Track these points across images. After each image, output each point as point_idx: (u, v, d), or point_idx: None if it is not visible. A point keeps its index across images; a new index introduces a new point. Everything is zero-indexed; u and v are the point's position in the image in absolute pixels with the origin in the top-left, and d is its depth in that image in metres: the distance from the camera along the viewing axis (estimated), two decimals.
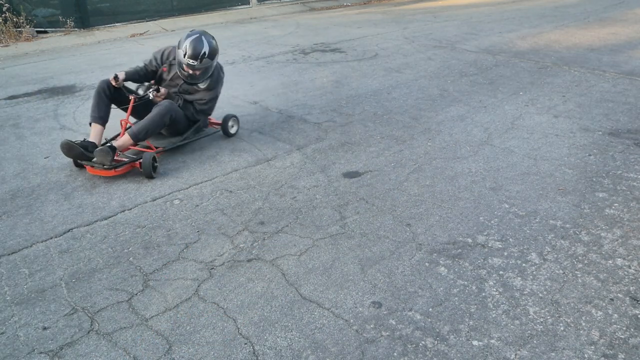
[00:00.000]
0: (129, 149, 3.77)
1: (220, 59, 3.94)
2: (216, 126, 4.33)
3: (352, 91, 5.47)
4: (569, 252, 2.60)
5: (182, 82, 3.93)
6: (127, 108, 3.77)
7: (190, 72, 3.78)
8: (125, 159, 3.62)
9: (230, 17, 11.44)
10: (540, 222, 2.87)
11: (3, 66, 7.37)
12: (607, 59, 6.44)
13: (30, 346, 2.10)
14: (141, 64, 4.06)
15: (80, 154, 3.52)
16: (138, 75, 3.96)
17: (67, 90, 5.95)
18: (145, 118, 3.69)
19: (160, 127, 3.73)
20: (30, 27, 9.54)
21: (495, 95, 5.15)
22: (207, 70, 3.84)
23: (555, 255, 2.57)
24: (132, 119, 3.87)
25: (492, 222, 2.89)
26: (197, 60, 3.68)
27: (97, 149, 3.46)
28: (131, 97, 3.80)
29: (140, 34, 9.78)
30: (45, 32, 9.88)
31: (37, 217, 3.11)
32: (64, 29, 9.80)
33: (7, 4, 9.13)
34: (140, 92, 3.96)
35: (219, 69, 4.07)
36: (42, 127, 4.73)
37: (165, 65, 4.00)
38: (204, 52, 3.68)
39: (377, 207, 3.10)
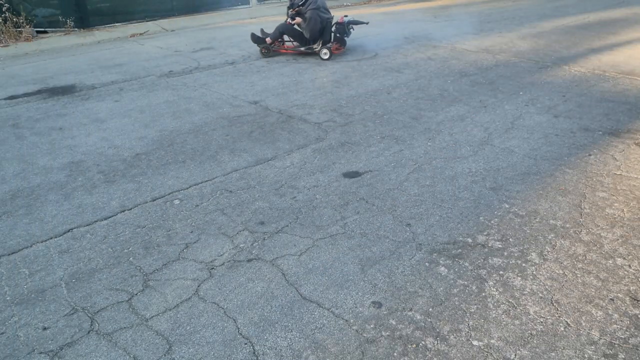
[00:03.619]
0: (272, 43, 7.25)
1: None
2: (337, 51, 7.17)
3: (352, 91, 5.47)
4: (569, 251, 2.60)
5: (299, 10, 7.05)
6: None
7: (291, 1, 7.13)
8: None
9: (230, 17, 11.44)
10: (540, 222, 2.87)
11: (3, 66, 7.38)
12: (607, 59, 6.44)
13: (30, 346, 2.10)
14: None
15: (258, 41, 7.26)
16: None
17: (67, 90, 5.95)
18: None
19: (277, 36, 7.15)
20: (30, 27, 9.54)
21: (495, 95, 5.14)
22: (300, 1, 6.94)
23: (556, 255, 2.57)
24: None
25: (492, 222, 2.89)
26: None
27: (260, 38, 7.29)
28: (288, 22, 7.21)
29: (140, 33, 9.78)
30: (45, 32, 9.88)
31: (37, 217, 3.11)
32: (63, 29, 9.80)
33: (7, 4, 9.13)
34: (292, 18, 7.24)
35: (313, 2, 6.84)
36: (42, 127, 4.73)
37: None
38: None
39: (377, 207, 3.09)
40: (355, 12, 11.93)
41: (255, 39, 7.27)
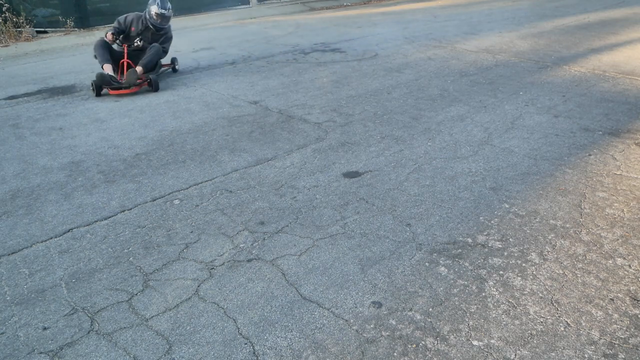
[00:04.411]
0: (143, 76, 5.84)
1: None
2: (167, 66, 6.55)
3: (352, 91, 5.47)
4: (569, 251, 2.60)
5: (153, 31, 5.94)
6: (123, 53, 5.87)
7: (160, 20, 5.84)
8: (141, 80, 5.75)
9: (230, 17, 11.44)
10: (540, 222, 2.87)
11: (3, 66, 7.38)
12: (607, 59, 6.44)
13: (30, 346, 2.10)
14: (115, 24, 5.93)
15: (108, 81, 5.54)
16: (117, 34, 5.94)
17: (67, 90, 5.95)
18: (148, 55, 5.78)
19: (158, 60, 5.97)
20: (30, 27, 9.55)
21: (495, 95, 5.15)
22: (169, 19, 5.97)
23: (556, 255, 2.57)
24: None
25: (492, 222, 2.89)
26: (166, 10, 5.80)
27: (129, 71, 5.57)
28: (124, 47, 5.87)
29: None
30: (45, 32, 9.89)
31: (37, 217, 3.11)
32: (64, 29, 9.81)
33: (7, 4, 9.13)
34: (134, 44, 6.03)
35: (169, 26, 6.26)
36: (42, 127, 4.73)
37: (133, 26, 5.92)
38: (169, 7, 5.84)
39: (377, 207, 3.10)
40: (355, 12, 11.93)
41: (134, 77, 5.57)
